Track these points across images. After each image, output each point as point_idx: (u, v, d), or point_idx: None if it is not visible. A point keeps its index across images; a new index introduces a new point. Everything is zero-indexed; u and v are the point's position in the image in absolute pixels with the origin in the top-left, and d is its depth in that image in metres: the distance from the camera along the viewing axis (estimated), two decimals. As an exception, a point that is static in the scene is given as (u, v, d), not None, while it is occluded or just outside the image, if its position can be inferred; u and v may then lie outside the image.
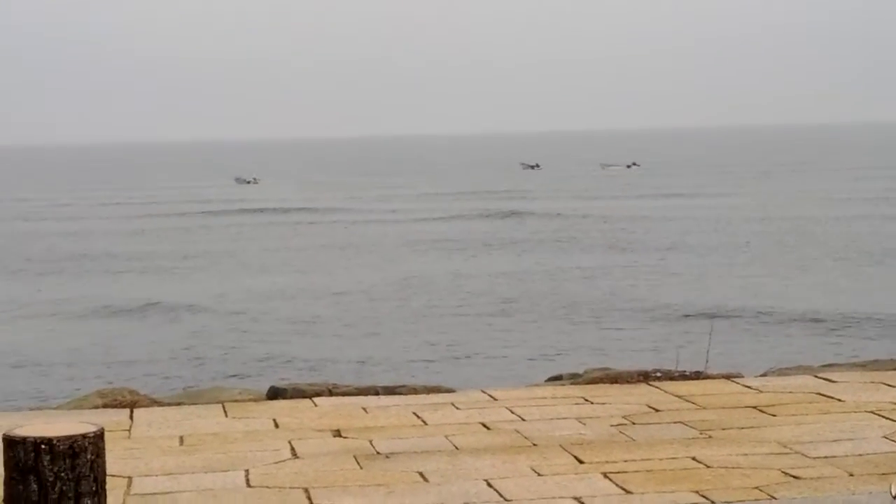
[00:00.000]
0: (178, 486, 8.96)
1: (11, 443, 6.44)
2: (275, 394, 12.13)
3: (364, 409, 11.43)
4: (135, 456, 9.80)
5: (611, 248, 50.27)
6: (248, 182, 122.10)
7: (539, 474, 9.04)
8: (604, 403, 11.42)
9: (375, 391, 12.21)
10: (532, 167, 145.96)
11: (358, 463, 9.47)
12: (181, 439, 10.40)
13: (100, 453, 6.54)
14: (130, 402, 11.80)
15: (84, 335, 31.03)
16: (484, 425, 10.67)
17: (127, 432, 10.68)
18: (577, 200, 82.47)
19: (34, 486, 6.35)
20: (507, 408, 11.32)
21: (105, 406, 11.72)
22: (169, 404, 11.90)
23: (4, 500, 6.49)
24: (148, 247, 55.86)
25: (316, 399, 11.89)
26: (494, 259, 47.16)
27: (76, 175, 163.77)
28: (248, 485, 8.96)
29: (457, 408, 11.42)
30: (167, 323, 32.75)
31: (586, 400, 11.62)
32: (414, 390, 12.26)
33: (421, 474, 9.11)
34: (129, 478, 9.17)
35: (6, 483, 6.44)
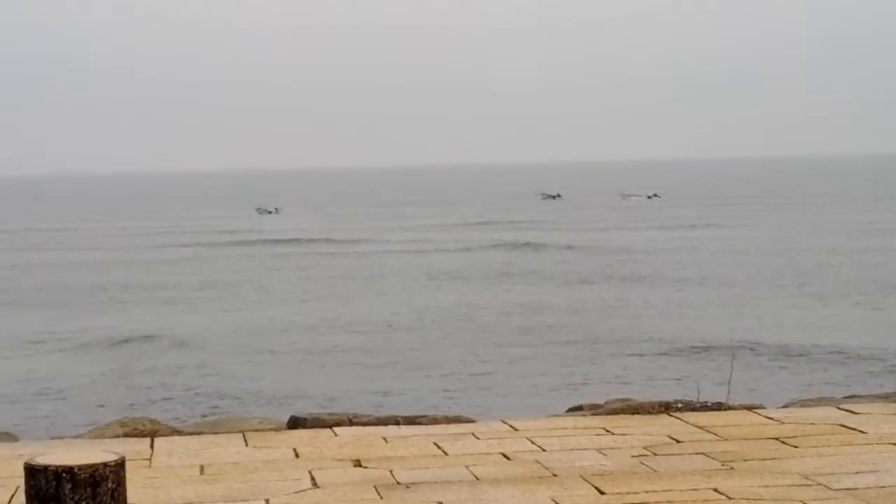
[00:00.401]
0: (198, 516, 8.96)
1: (33, 471, 6.45)
2: (295, 423, 12.13)
3: (384, 438, 11.41)
4: (155, 485, 9.80)
5: (631, 279, 50.16)
6: (270, 212, 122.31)
7: (560, 505, 9.01)
8: (625, 434, 11.39)
9: (396, 421, 12.20)
10: (553, 197, 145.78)
11: (378, 493, 9.45)
12: (202, 468, 10.40)
13: (121, 482, 6.55)
14: (151, 432, 11.81)
15: (104, 364, 31.08)
16: (504, 455, 10.64)
17: (147, 461, 10.68)
18: (598, 231, 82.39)
19: (55, 515, 6.36)
20: (527, 438, 11.30)
21: (126, 435, 11.73)
22: (189, 433, 11.91)
23: (26, 529, 6.49)
24: (166, 277, 55.96)
25: (336, 429, 11.88)
26: (515, 290, 47.09)
27: (94, 205, 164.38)
28: (269, 514, 8.95)
29: (477, 438, 11.40)
30: (187, 353, 32.77)
31: (607, 431, 11.58)
32: (434, 420, 12.25)
33: (441, 505, 9.08)
34: (150, 507, 9.18)
35: (28, 511, 6.45)
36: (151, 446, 11.29)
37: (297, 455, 10.83)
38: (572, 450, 10.78)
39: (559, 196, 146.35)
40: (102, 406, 24.86)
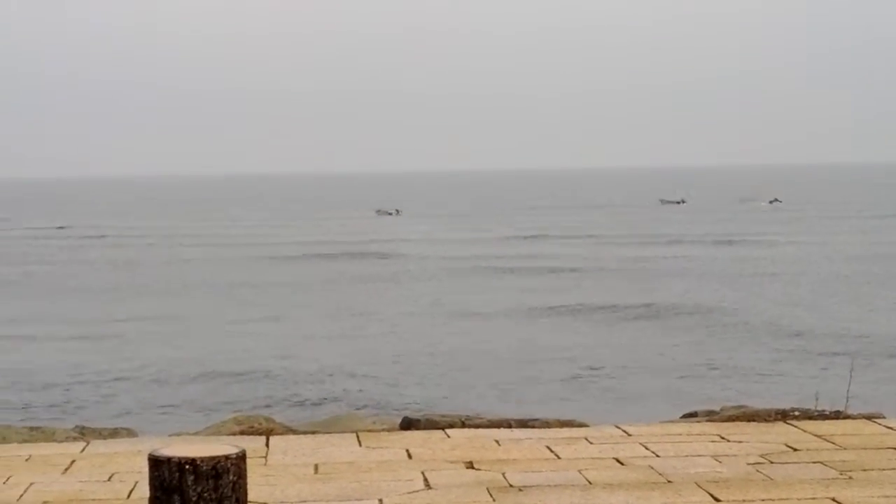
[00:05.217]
0: (312, 514, 9.05)
1: (156, 462, 6.57)
2: (408, 424, 12.19)
3: (497, 441, 11.42)
4: (270, 483, 9.92)
5: (751, 281, 49.46)
6: (391, 213, 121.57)
7: (673, 511, 8.94)
8: (740, 441, 11.25)
9: (508, 424, 12.20)
10: (677, 203, 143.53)
11: (491, 495, 9.46)
12: (316, 467, 10.51)
13: (242, 475, 6.65)
14: (266, 430, 11.97)
15: (226, 361, 31.52)
16: (617, 460, 10.58)
17: (263, 459, 10.82)
18: (717, 245, 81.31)
19: (178, 506, 6.49)
20: (641, 444, 11.22)
21: (241, 433, 11.90)
22: (304, 432, 12.04)
23: (148, 520, 6.62)
24: (281, 277, 56.52)
25: (449, 430, 11.92)
26: (629, 292, 46.75)
27: (226, 205, 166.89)
28: (382, 514, 9.01)
29: (590, 442, 11.35)
30: (304, 352, 33.10)
31: (722, 437, 11.46)
32: (547, 424, 12.23)
33: (554, 508, 9.06)
34: (265, 504, 9.30)
35: (151, 502, 6.57)
36: (267, 444, 11.44)
37: (409, 456, 10.89)
38: (687, 456, 10.68)
39: (683, 202, 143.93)
40: (218, 405, 25.19)
